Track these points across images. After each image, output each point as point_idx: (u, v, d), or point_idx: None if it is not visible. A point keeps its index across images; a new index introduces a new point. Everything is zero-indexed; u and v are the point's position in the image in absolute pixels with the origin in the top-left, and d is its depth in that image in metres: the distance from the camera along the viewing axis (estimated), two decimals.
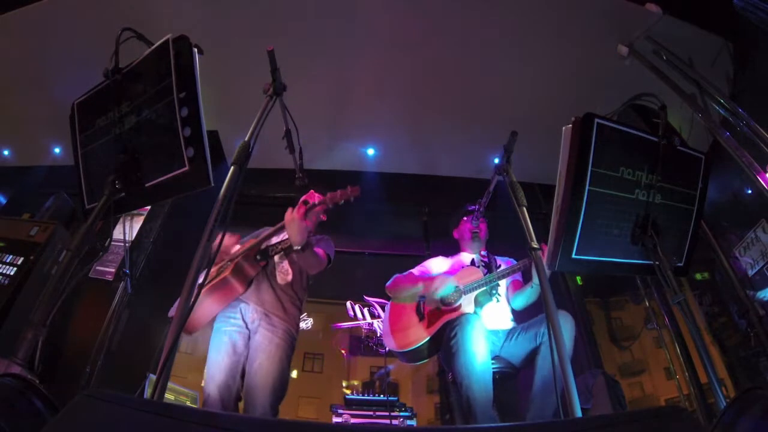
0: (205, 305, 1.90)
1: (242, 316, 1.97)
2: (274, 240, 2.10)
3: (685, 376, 2.74)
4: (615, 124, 1.64)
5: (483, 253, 2.43)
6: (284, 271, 2.09)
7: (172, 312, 2.06)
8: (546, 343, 1.83)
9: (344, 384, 4.25)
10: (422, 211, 4.05)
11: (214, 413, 1.18)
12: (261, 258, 2.03)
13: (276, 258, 2.11)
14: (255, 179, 3.74)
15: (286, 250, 2.05)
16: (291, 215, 1.81)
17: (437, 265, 2.45)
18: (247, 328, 1.96)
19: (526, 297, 2.22)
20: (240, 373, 1.88)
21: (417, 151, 3.89)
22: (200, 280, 1.98)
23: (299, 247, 1.84)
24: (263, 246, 2.06)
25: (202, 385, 1.86)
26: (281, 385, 1.83)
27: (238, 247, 2.17)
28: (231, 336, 1.92)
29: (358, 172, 4.01)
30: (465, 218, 2.52)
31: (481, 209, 2.22)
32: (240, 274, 1.95)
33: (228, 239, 2.07)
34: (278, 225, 1.97)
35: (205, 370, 1.85)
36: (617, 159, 1.62)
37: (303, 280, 2.16)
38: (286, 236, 1.94)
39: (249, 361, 1.87)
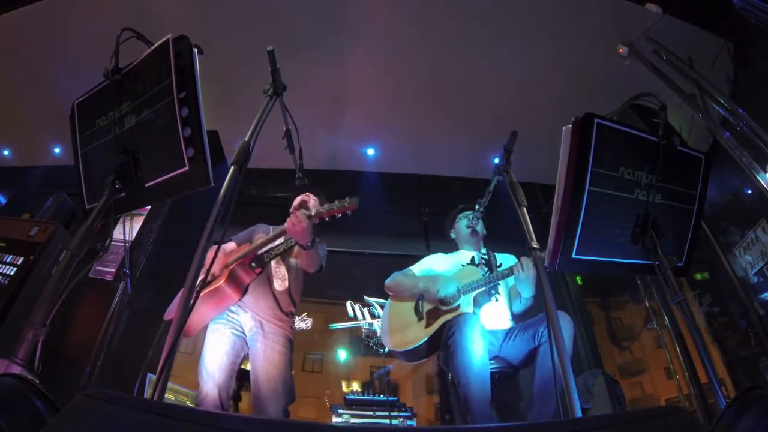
0: (202, 311, 1.92)
1: (239, 322, 2.00)
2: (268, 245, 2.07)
3: (685, 376, 2.74)
4: (615, 124, 1.64)
5: (483, 250, 2.42)
6: (282, 277, 2.11)
7: (168, 315, 2.07)
8: (545, 344, 1.83)
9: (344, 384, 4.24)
10: (422, 211, 4.05)
11: (216, 413, 1.18)
12: (256, 265, 1.99)
13: (273, 263, 2.10)
14: (255, 179, 3.74)
15: (284, 254, 2.05)
16: (297, 223, 1.79)
17: (437, 262, 2.43)
18: (243, 333, 1.98)
19: (519, 306, 2.21)
20: (236, 373, 1.92)
21: (417, 151, 3.88)
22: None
23: (309, 244, 1.87)
24: (258, 253, 2.02)
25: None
26: (290, 389, 1.87)
27: (232, 244, 2.18)
28: (230, 336, 1.94)
29: (358, 172, 4.01)
30: (460, 216, 2.55)
31: (481, 209, 2.22)
32: (235, 281, 1.93)
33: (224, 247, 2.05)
34: (275, 233, 1.95)
35: (201, 368, 1.84)
36: (617, 159, 1.62)
37: (300, 284, 2.18)
38: (281, 241, 1.97)
39: (252, 368, 1.88)
